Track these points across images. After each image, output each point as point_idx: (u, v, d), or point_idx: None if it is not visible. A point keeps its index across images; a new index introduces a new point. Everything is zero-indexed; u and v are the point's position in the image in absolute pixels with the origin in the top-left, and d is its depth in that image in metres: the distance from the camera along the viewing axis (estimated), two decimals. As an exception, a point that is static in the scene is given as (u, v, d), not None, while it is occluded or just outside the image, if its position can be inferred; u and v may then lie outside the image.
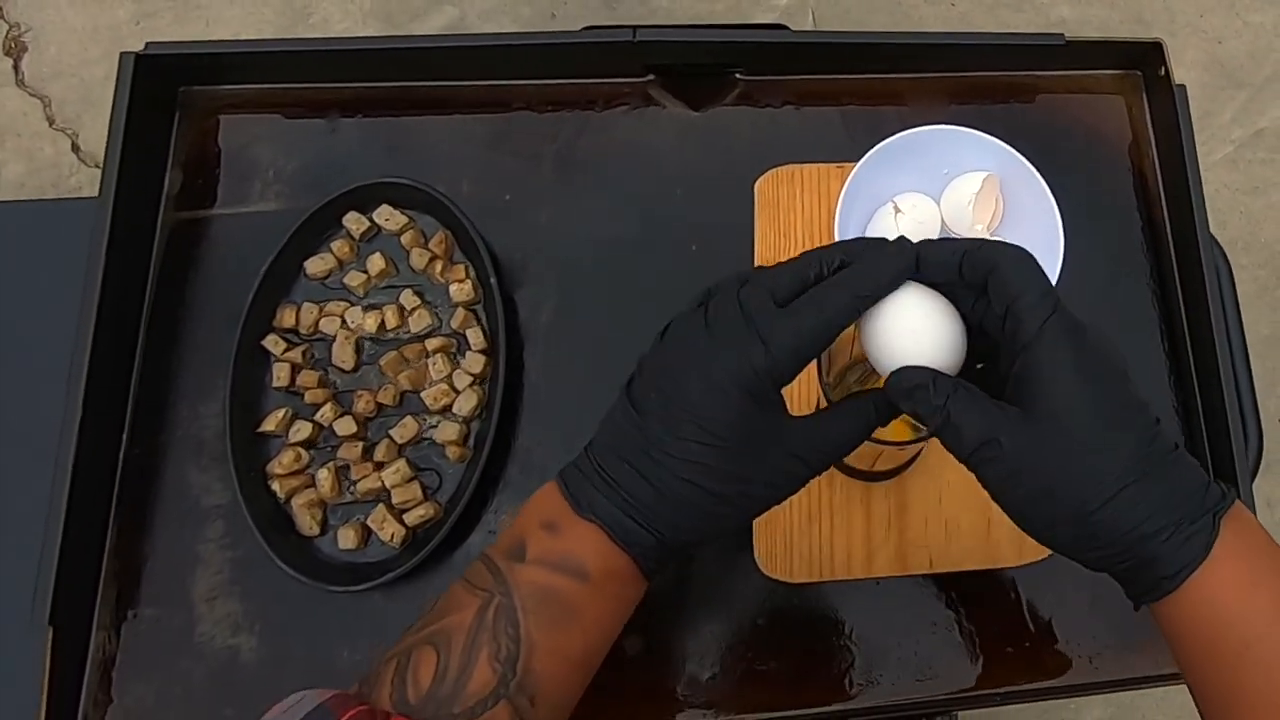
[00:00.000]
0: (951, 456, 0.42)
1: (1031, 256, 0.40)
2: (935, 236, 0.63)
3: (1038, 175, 0.62)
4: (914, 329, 0.41)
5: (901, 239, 0.42)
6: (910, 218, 0.61)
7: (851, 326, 0.51)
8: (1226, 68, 1.62)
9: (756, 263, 0.68)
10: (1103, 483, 0.39)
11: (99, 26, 1.57)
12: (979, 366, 0.44)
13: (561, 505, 0.41)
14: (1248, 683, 0.39)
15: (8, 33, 1.55)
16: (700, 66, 0.73)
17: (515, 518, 0.43)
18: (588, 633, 0.41)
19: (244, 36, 1.56)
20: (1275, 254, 1.54)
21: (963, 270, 0.41)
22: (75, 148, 1.52)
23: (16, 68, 1.54)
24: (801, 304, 0.40)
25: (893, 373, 0.41)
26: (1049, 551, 0.62)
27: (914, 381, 0.40)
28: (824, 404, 0.48)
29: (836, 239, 0.61)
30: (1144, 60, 0.75)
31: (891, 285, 0.41)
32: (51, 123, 1.53)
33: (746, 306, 0.40)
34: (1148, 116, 0.75)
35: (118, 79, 0.64)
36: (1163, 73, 0.71)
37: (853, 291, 0.41)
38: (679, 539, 0.41)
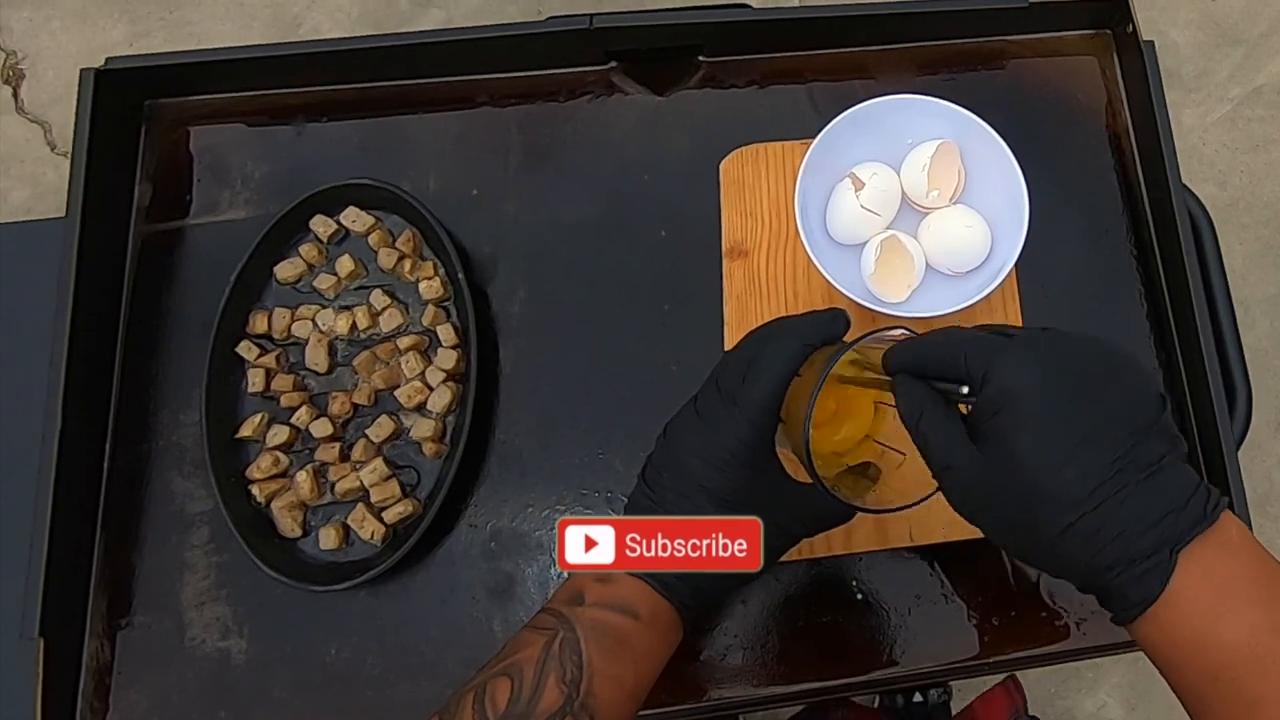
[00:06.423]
0: None
1: (954, 332, 0.43)
2: (896, 207, 0.63)
3: (998, 138, 0.61)
4: None
5: (837, 310, 0.48)
6: (871, 189, 0.61)
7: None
8: (1221, 25, 1.59)
9: (724, 243, 0.68)
10: (1056, 517, 0.39)
11: (93, 49, 1.59)
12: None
13: None
14: (1217, 712, 0.39)
15: (5, 60, 1.58)
16: (661, 50, 0.73)
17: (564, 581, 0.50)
18: (639, 664, 0.46)
19: (233, 51, 1.57)
20: (1278, 212, 1.51)
21: (928, 374, 0.43)
22: (76, 171, 1.54)
23: (16, 95, 1.57)
24: (757, 363, 0.47)
25: (896, 375, 0.44)
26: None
27: (903, 386, 0.43)
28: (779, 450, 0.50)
29: (798, 215, 0.61)
30: (1112, 18, 0.73)
31: (829, 333, 0.47)
32: (53, 148, 1.55)
33: (722, 386, 0.47)
34: (1119, 75, 0.74)
35: (79, 95, 0.65)
36: (1130, 29, 0.70)
37: (795, 338, 0.46)
38: (709, 587, 0.48)
